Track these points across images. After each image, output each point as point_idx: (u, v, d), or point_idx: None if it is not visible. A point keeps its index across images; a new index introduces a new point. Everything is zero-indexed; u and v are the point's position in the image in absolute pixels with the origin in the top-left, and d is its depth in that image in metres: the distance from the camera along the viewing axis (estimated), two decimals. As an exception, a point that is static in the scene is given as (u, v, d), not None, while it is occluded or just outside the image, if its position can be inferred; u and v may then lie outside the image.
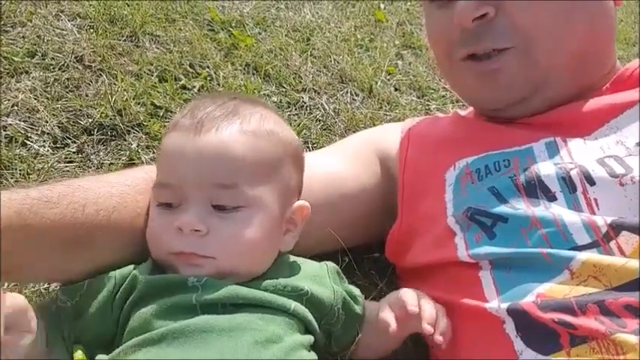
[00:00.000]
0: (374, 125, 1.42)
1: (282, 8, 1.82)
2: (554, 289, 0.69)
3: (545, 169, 0.79)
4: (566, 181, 0.77)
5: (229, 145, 0.72)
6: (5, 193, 0.62)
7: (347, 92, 1.53)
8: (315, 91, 1.50)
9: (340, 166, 0.99)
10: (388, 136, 1.04)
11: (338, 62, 1.63)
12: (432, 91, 1.67)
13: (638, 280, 0.64)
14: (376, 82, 1.60)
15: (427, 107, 1.59)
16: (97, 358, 0.66)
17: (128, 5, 1.52)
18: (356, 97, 1.53)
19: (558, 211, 0.75)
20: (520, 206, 0.78)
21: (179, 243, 0.71)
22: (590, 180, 0.76)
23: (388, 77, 1.66)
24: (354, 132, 1.39)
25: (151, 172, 0.77)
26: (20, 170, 1.01)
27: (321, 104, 1.44)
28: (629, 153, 0.78)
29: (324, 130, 1.37)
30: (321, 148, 1.29)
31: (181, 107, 1.26)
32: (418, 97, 1.62)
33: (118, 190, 0.73)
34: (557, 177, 0.78)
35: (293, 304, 0.73)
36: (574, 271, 0.69)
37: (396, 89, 1.64)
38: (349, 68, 1.61)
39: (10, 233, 0.60)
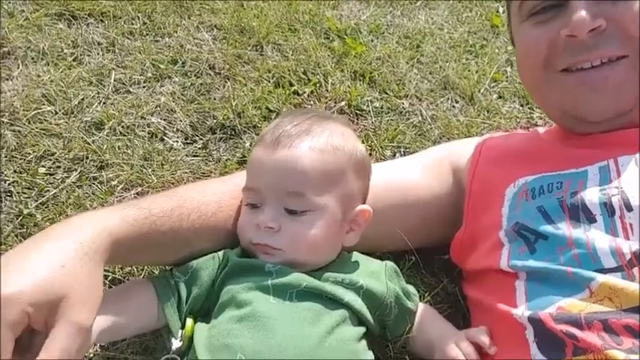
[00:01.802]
0: (469, 132, 1.51)
1: (397, 15, 1.94)
2: (574, 304, 0.77)
3: (591, 194, 0.87)
4: (607, 207, 0.84)
5: (298, 160, 0.89)
6: (134, 212, 0.85)
7: (447, 99, 1.63)
8: (416, 97, 1.61)
9: (416, 174, 1.12)
10: (463, 148, 1.14)
11: (444, 69, 1.73)
12: (538, 98, 1.70)
13: (644, 305, 0.71)
14: (479, 90, 1.67)
15: (529, 116, 1.63)
16: (196, 325, 0.87)
17: (257, 17, 1.74)
18: (455, 104, 1.62)
19: (593, 234, 0.82)
20: (562, 226, 0.86)
21: (257, 236, 0.90)
22: (628, 207, 0.83)
23: (493, 84, 1.72)
24: (447, 139, 1.50)
25: (244, 180, 0.95)
26: (157, 162, 1.26)
27: (420, 111, 1.56)
28: None
29: (419, 135, 1.49)
30: (413, 152, 1.42)
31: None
32: (521, 105, 1.67)
33: (217, 197, 0.95)
34: (599, 202, 0.85)
35: (347, 297, 0.88)
36: (593, 291, 0.77)
37: (499, 97, 1.69)
38: (454, 75, 1.70)
39: (134, 245, 0.84)
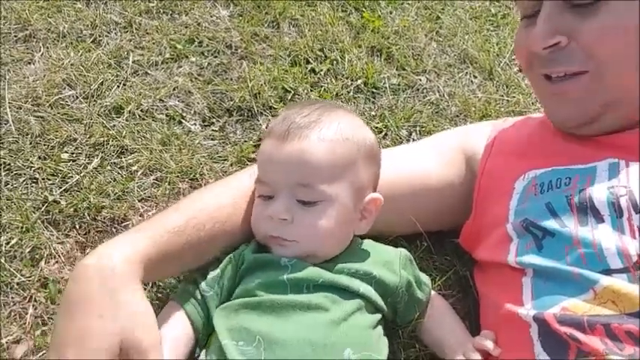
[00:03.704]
0: (487, 110, 1.50)
1: (417, -17, 1.90)
2: (578, 305, 0.79)
3: (599, 192, 0.87)
4: (615, 207, 0.84)
5: (308, 152, 0.90)
6: (150, 233, 0.88)
7: (466, 74, 1.61)
8: (435, 73, 1.60)
9: (429, 162, 1.12)
10: (477, 136, 1.14)
11: (463, 42, 1.70)
12: (560, 71, 1.67)
13: (647, 311, 0.73)
14: (499, 63, 1.65)
15: (549, 90, 1.60)
16: (215, 312, 0.89)
17: (274, -11, 1.72)
18: (474, 80, 1.60)
19: (600, 234, 0.83)
20: (569, 224, 0.87)
21: (270, 228, 0.92)
22: (636, 208, 0.83)
23: (514, 57, 1.69)
24: (464, 117, 1.49)
25: (254, 175, 0.97)
26: (175, 146, 1.29)
27: (437, 87, 1.55)
28: None
29: (435, 114, 1.48)
30: (429, 132, 1.42)
31: (307, 91, 1.46)
32: (541, 79, 1.63)
33: (231, 200, 0.96)
34: (607, 202, 0.85)
35: (362, 288, 0.91)
36: (597, 293, 0.78)
37: (520, 70, 1.66)
38: (473, 48, 1.67)
39: (154, 263, 0.86)
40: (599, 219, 0.85)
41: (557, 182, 0.93)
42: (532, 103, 1.54)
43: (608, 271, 0.80)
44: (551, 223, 0.89)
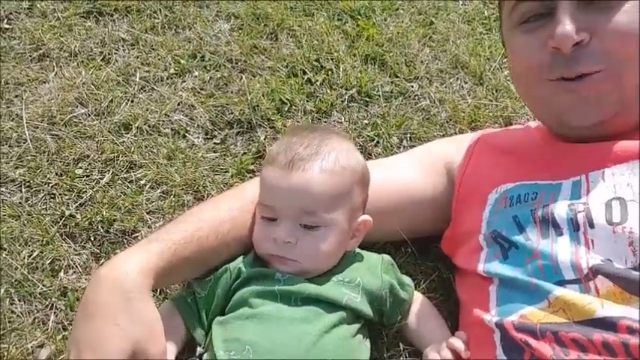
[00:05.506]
0: (476, 115, 1.57)
1: (412, -12, 1.96)
2: (534, 313, 0.88)
3: (560, 209, 0.95)
4: (573, 222, 0.93)
5: (312, 183, 1.00)
6: (158, 244, 0.98)
7: (457, 79, 1.68)
8: (427, 79, 1.67)
9: (412, 174, 1.21)
10: (458, 148, 1.22)
11: (456, 46, 1.77)
12: (550, 72, 1.72)
13: (590, 321, 0.82)
14: (490, 67, 1.71)
15: (538, 92, 1.66)
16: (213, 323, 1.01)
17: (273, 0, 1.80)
18: (464, 85, 1.67)
19: (559, 247, 0.92)
20: (532, 237, 0.96)
21: (274, 248, 1.02)
22: (591, 224, 0.91)
23: (504, 60, 1.75)
24: (454, 122, 1.57)
25: (254, 191, 1.07)
26: (180, 160, 1.39)
27: (429, 93, 1.62)
28: (633, 198, 0.90)
29: (426, 120, 1.56)
30: (419, 139, 1.51)
31: (303, 102, 1.55)
32: (531, 82, 1.70)
33: (232, 214, 1.06)
34: (566, 217, 0.94)
35: (346, 297, 1.01)
36: (551, 302, 0.87)
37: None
38: (465, 53, 1.74)
39: (162, 272, 0.97)
40: (559, 232, 0.94)
41: (525, 196, 1.02)
42: (520, 108, 1.60)
43: (562, 282, 0.89)
44: (516, 236, 0.97)
